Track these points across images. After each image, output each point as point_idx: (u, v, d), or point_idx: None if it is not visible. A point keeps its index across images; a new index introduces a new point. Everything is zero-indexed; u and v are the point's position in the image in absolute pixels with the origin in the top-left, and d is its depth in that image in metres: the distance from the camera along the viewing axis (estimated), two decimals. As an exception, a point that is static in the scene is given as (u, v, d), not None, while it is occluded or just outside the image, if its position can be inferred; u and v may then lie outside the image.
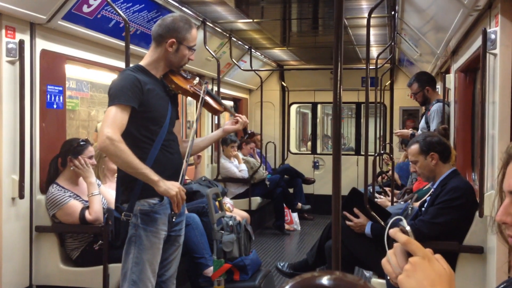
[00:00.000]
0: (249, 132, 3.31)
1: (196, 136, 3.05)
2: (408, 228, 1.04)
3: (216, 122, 7.20)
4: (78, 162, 3.66)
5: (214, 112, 3.07)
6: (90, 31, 4.05)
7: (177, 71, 2.89)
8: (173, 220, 2.82)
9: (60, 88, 3.94)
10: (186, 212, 4.60)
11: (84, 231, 3.68)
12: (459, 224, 3.29)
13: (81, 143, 3.73)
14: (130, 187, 2.71)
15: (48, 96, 3.81)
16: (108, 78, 4.91)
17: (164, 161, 2.76)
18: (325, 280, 0.76)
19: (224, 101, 3.18)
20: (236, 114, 3.07)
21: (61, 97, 3.94)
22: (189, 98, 6.70)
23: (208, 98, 2.93)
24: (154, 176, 2.58)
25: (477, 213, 3.16)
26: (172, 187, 2.61)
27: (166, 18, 2.83)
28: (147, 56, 2.85)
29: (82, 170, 3.68)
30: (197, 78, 2.95)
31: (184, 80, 2.89)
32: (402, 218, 1.08)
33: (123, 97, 2.60)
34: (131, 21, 4.30)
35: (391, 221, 1.15)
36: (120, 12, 3.50)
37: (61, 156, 3.77)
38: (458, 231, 3.30)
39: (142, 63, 2.83)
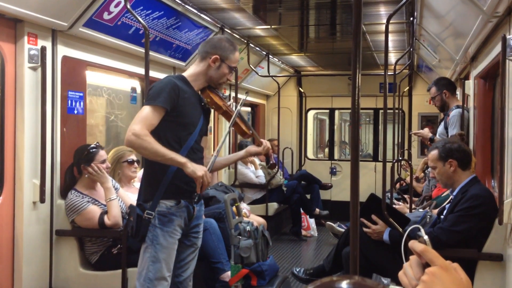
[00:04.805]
0: (271, 162, 3.55)
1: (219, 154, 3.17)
2: (426, 237, 1.04)
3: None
4: (92, 169, 3.70)
5: (242, 134, 3.16)
6: (110, 38, 4.10)
7: (214, 88, 3.02)
8: (195, 201, 2.94)
9: (81, 94, 4.00)
10: (204, 217, 4.63)
11: (103, 235, 3.72)
12: (478, 232, 3.26)
13: (91, 150, 3.74)
14: (154, 186, 2.83)
15: (69, 101, 3.87)
16: (103, 79, 4.93)
17: None
18: (344, 284, 0.77)
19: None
20: (262, 140, 3.20)
21: (81, 103, 4.00)
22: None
23: (238, 120, 3.05)
24: (182, 159, 2.73)
25: (496, 221, 3.13)
26: (199, 168, 2.74)
27: (213, 37, 3.08)
28: (190, 69, 3.02)
29: (97, 176, 3.71)
30: (231, 100, 3.08)
31: (219, 98, 3.02)
32: (420, 227, 1.08)
33: (159, 99, 2.73)
34: (150, 28, 4.35)
35: (408, 230, 1.14)
36: (140, 19, 3.54)
37: (75, 165, 3.81)
38: (478, 238, 3.26)
39: (185, 74, 2.98)
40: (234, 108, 3.10)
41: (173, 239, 2.88)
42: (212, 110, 3.11)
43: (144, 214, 2.82)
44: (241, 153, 3.29)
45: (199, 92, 3.00)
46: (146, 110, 2.74)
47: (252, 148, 3.21)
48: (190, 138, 2.86)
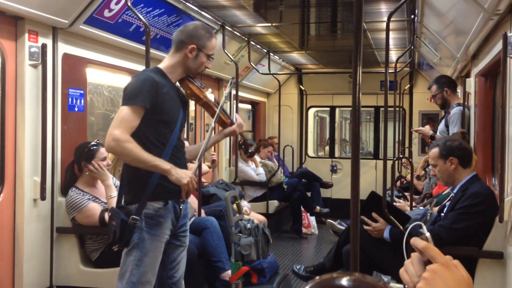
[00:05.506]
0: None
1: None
2: (427, 234, 1.04)
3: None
4: (92, 167, 3.70)
5: (223, 124, 3.06)
6: (111, 35, 4.10)
7: (193, 78, 2.92)
8: (181, 208, 2.84)
9: (81, 91, 4.00)
10: (204, 215, 4.63)
11: (104, 233, 3.72)
12: (479, 230, 3.26)
13: (92, 147, 3.74)
14: (140, 187, 2.71)
15: (70, 99, 3.87)
16: (104, 77, 4.91)
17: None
18: (344, 281, 0.77)
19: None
20: (235, 116, 3.10)
21: (82, 100, 4.00)
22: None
23: (221, 115, 2.97)
24: (166, 166, 2.61)
25: (497, 219, 3.13)
26: (184, 175, 2.63)
27: (188, 25, 2.87)
28: (165, 60, 2.86)
29: (98, 174, 3.71)
30: (210, 89, 2.99)
31: (198, 89, 2.92)
32: (422, 224, 1.08)
33: (138, 98, 2.61)
34: (151, 26, 4.35)
35: (409, 227, 1.14)
36: (141, 17, 3.53)
37: (75, 163, 3.81)
38: (478, 236, 3.27)
39: (161, 66, 2.84)
40: (212, 98, 3.00)
41: (160, 243, 2.76)
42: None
43: (129, 219, 2.67)
44: (217, 136, 3.11)
45: (179, 84, 2.88)
46: (125, 111, 2.59)
47: (226, 129, 3.05)
48: (172, 135, 2.74)
